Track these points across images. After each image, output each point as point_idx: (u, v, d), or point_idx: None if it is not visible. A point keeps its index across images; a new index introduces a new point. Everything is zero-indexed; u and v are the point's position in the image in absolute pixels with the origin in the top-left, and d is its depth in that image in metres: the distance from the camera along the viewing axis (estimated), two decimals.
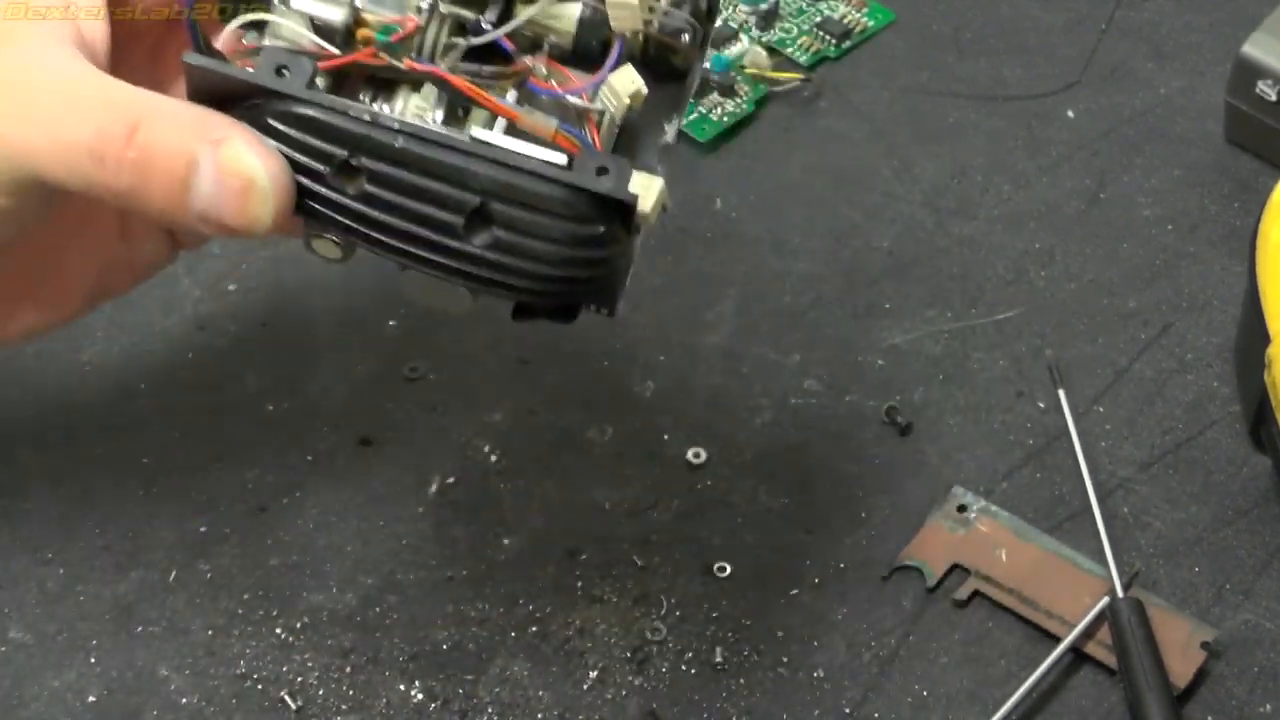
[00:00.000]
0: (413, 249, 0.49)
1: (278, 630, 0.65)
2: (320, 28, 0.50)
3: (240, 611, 0.65)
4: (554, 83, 0.51)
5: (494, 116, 0.50)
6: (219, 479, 0.69)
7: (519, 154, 0.48)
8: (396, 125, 0.48)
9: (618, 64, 0.51)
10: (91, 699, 0.63)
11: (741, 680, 0.64)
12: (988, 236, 0.78)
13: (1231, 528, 0.67)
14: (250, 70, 0.49)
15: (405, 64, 0.50)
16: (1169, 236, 0.77)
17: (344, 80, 0.51)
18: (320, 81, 0.49)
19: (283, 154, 0.49)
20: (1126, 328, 0.74)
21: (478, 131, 0.49)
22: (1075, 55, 0.85)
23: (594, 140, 0.51)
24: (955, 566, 0.66)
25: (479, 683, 0.64)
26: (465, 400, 0.72)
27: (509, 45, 0.51)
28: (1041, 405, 0.71)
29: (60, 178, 0.49)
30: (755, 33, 0.86)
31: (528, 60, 0.51)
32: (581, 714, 0.63)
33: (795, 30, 0.86)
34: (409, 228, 0.49)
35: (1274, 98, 0.76)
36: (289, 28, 0.50)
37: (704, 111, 0.82)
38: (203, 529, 0.67)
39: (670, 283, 0.76)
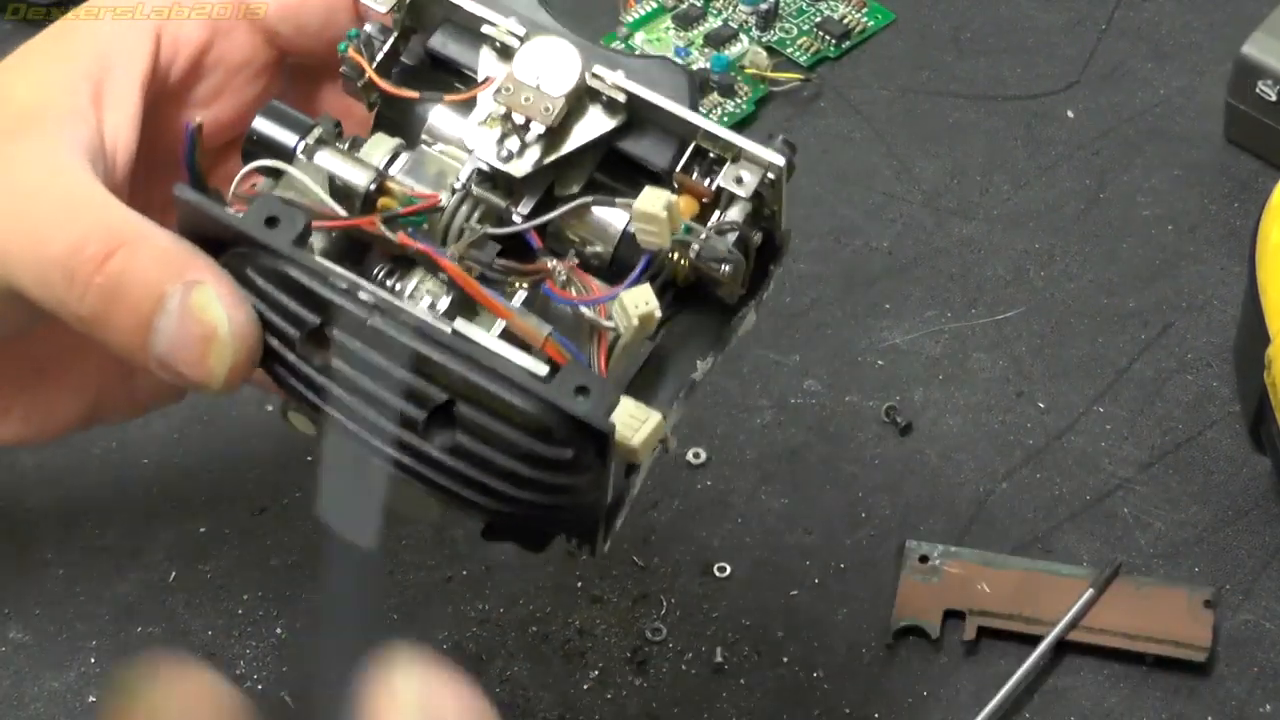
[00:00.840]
0: (370, 438, 0.46)
1: (278, 630, 0.65)
2: (340, 189, 0.48)
3: (240, 612, 0.65)
4: (572, 291, 0.48)
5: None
6: (219, 479, 0.69)
7: (496, 356, 0.45)
8: (373, 300, 0.45)
9: (638, 281, 0.48)
10: (91, 699, 0.63)
11: (741, 680, 0.64)
12: (987, 236, 0.78)
13: (1231, 528, 0.67)
14: (240, 215, 0.46)
15: (399, 238, 0.47)
16: (1169, 236, 0.77)
17: (365, 251, 0.49)
18: (318, 243, 0.47)
19: (258, 310, 0.46)
20: (1126, 327, 0.74)
21: (461, 325, 0.46)
22: (1075, 55, 0.85)
23: (597, 361, 0.48)
24: (949, 613, 0.65)
25: (479, 683, 0.63)
26: None
27: (536, 242, 0.49)
28: (1041, 405, 0.71)
29: (31, 290, 0.46)
30: (755, 33, 0.86)
31: (550, 263, 0.48)
32: (581, 714, 0.63)
33: (795, 30, 0.86)
34: (368, 414, 0.45)
35: (1274, 98, 0.76)
36: (302, 182, 0.48)
37: (704, 112, 0.82)
38: (203, 529, 0.67)
39: None
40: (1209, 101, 0.82)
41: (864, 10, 0.87)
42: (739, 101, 0.83)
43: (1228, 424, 0.70)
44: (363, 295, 0.45)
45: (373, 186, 0.48)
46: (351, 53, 0.51)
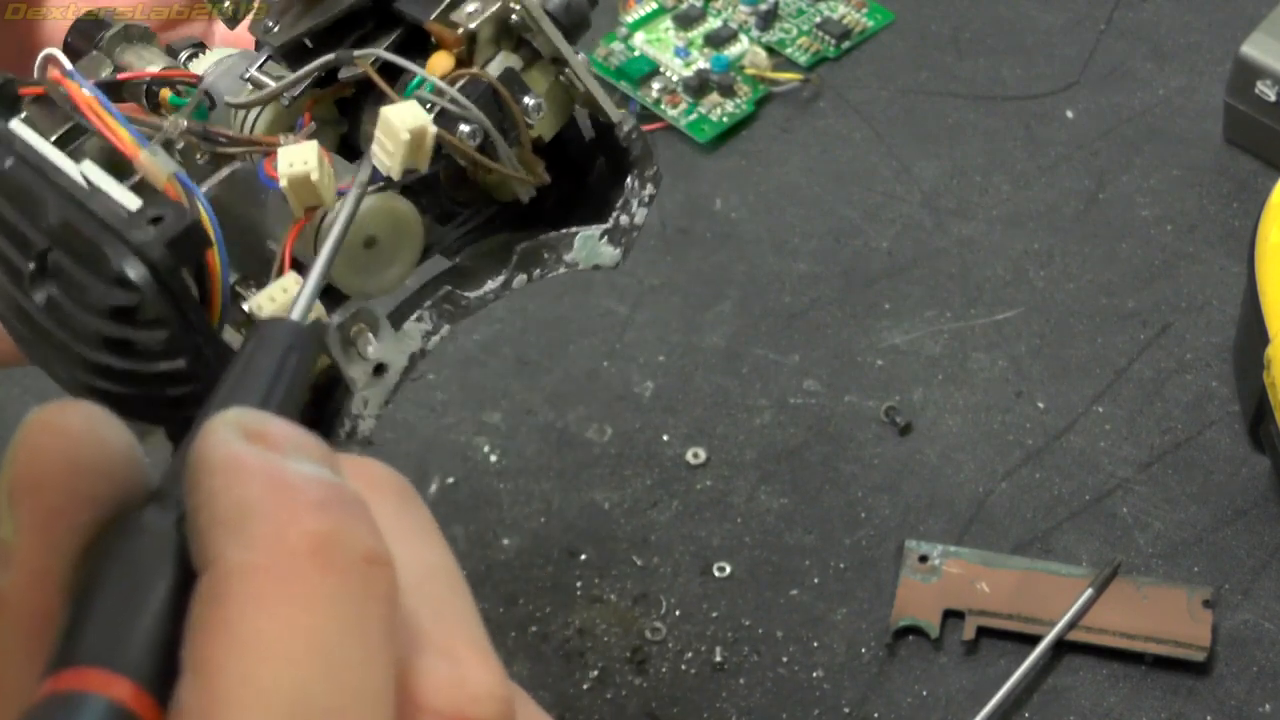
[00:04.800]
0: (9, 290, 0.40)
1: None
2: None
3: None
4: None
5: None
6: None
7: (95, 194, 0.38)
8: (16, 145, 0.39)
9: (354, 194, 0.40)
10: None
11: (741, 680, 0.64)
12: (987, 236, 0.78)
13: (1231, 528, 0.68)
14: None
15: (53, 76, 0.41)
16: (1168, 237, 0.77)
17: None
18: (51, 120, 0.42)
19: None
20: (1126, 328, 0.74)
21: (91, 170, 0.39)
22: (1074, 55, 0.85)
23: (282, 245, 0.40)
24: (948, 612, 0.65)
25: None
26: (465, 400, 0.72)
27: (304, 120, 0.43)
28: (1041, 405, 0.71)
29: None
30: (755, 33, 0.86)
31: (290, 135, 0.42)
32: (581, 714, 0.63)
33: (795, 31, 0.86)
34: None
35: (1273, 98, 0.76)
36: (66, 64, 0.43)
37: (704, 112, 0.82)
38: None
39: (670, 283, 0.76)
40: (1208, 102, 0.82)
41: (864, 10, 0.87)
42: (739, 101, 0.83)
43: (1227, 424, 0.71)
44: (8, 138, 0.39)
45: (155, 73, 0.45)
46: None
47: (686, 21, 0.86)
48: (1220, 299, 0.75)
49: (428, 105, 0.41)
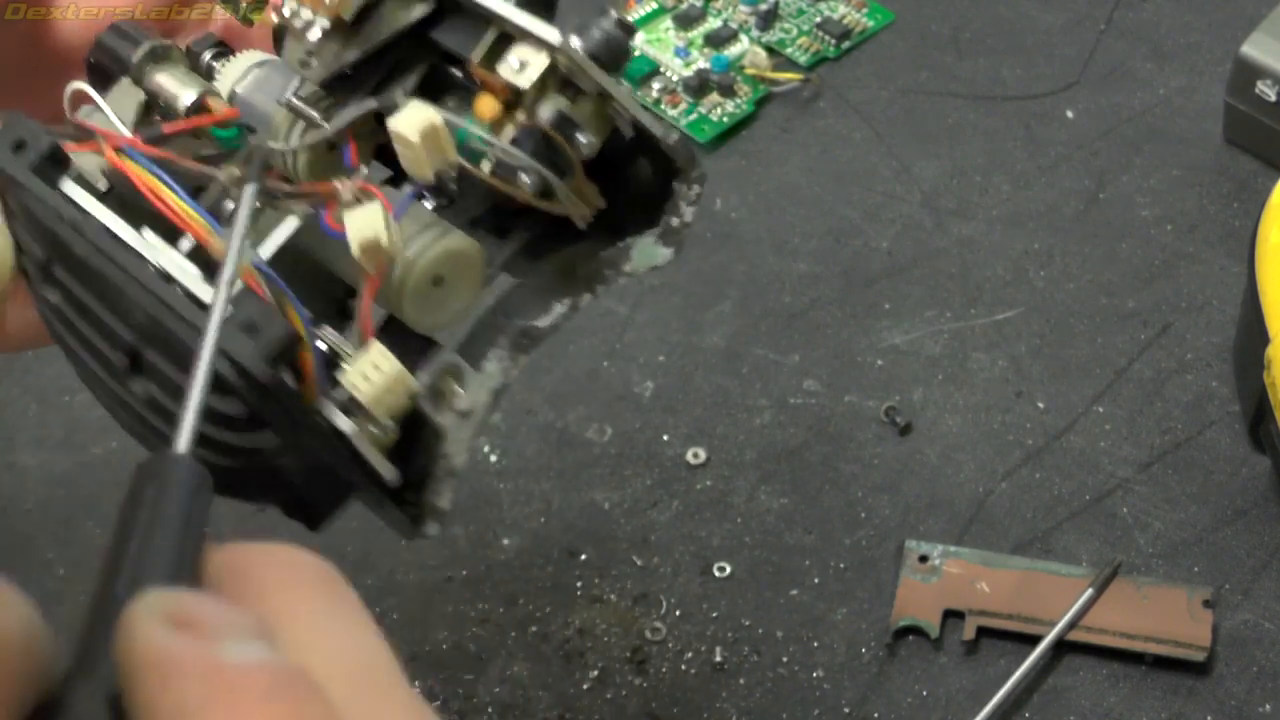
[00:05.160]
0: (92, 386, 0.41)
1: None
2: (167, 106, 0.45)
3: None
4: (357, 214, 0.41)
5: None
6: None
7: (180, 291, 0.38)
8: (91, 235, 0.40)
9: (403, 209, 0.41)
10: None
11: (741, 680, 0.64)
12: (987, 236, 0.78)
13: (1231, 528, 0.68)
14: None
15: (102, 136, 0.42)
16: (1168, 237, 0.77)
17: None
18: (98, 166, 0.42)
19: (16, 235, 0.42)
20: (1126, 328, 0.74)
21: (170, 256, 0.39)
22: (1074, 55, 0.85)
23: (361, 305, 0.40)
24: (948, 612, 0.65)
25: (478, 683, 0.64)
26: None
27: (351, 158, 0.43)
28: (1041, 405, 0.71)
29: None
30: (755, 33, 0.86)
31: (339, 182, 0.41)
32: (581, 714, 0.63)
33: (795, 30, 0.86)
34: (85, 357, 0.40)
35: (1273, 98, 0.76)
36: (103, 107, 0.44)
37: (704, 112, 0.82)
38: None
39: (670, 283, 0.76)
40: (1208, 102, 0.82)
41: (864, 10, 0.87)
42: (739, 101, 0.83)
43: (1227, 424, 0.71)
44: (84, 226, 0.40)
45: (191, 104, 0.45)
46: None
47: (686, 21, 0.86)
48: (1220, 299, 0.75)
49: (480, 151, 0.42)
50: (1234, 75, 0.78)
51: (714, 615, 0.65)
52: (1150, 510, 0.68)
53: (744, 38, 0.86)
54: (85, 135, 0.43)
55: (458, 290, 0.43)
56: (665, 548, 0.67)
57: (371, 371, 0.39)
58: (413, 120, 0.40)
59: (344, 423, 0.39)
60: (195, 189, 0.42)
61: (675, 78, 0.84)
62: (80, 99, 0.45)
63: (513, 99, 0.42)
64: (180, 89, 0.46)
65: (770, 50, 0.85)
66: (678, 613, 0.66)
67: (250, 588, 0.27)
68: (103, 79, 0.47)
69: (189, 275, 0.39)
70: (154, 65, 0.46)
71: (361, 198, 0.40)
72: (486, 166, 0.42)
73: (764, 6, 0.85)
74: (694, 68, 0.84)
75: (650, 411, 0.71)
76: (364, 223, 0.40)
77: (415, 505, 0.41)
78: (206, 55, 0.47)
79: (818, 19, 0.86)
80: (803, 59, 0.85)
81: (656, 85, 0.83)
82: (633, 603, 0.66)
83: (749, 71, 0.84)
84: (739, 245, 0.77)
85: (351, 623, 0.27)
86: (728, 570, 0.67)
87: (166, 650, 0.24)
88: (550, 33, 0.41)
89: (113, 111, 0.45)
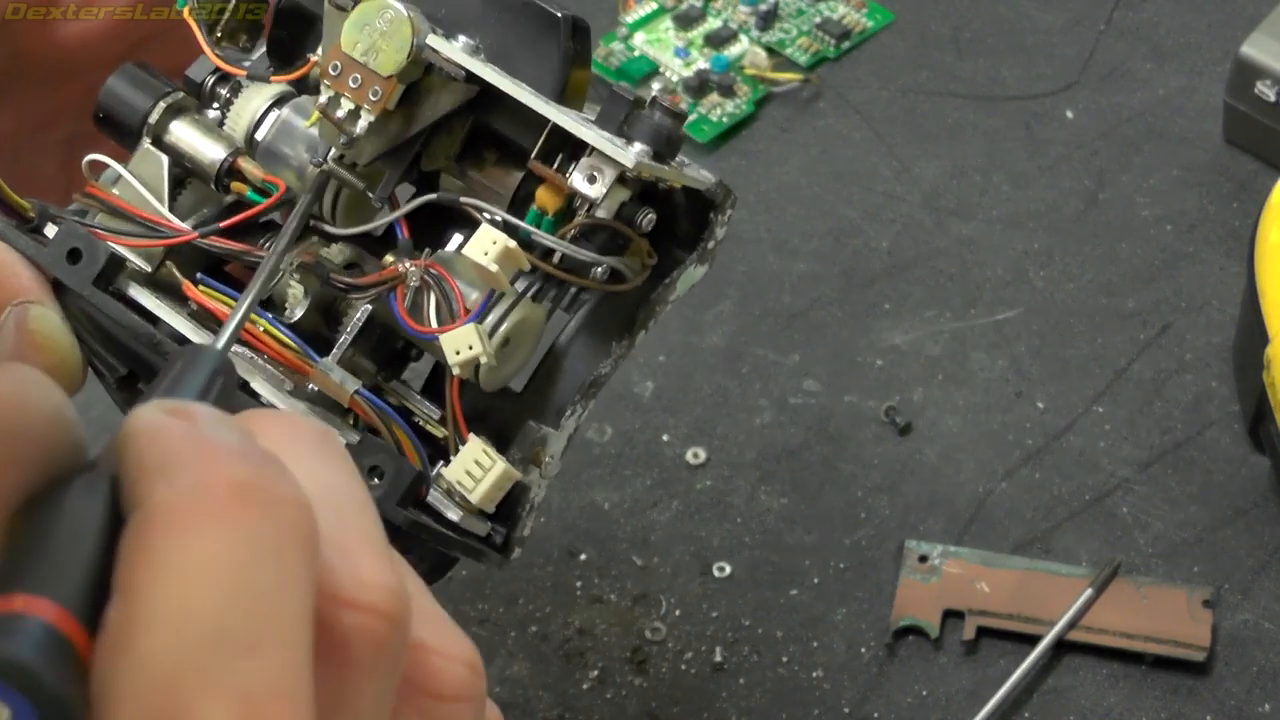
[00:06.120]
0: None
1: None
2: (194, 166, 0.45)
3: None
4: (431, 298, 0.43)
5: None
6: None
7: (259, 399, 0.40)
8: (168, 348, 0.41)
9: (480, 316, 0.43)
10: None
11: (741, 680, 0.64)
12: (987, 236, 0.78)
13: (1230, 528, 0.68)
14: (42, 250, 0.42)
15: (194, 296, 0.42)
16: (1168, 237, 0.77)
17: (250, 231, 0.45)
18: (143, 264, 0.43)
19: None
20: (1125, 328, 0.74)
21: (263, 384, 0.41)
22: (1074, 55, 0.85)
23: (450, 395, 0.43)
24: (948, 612, 0.65)
25: None
26: None
27: (403, 231, 0.44)
28: (1041, 405, 0.71)
29: None
30: (755, 33, 0.86)
31: (402, 265, 0.43)
32: (581, 714, 0.63)
33: (795, 31, 0.86)
34: None
35: (1273, 98, 0.76)
36: (133, 186, 0.45)
37: (704, 112, 0.82)
38: None
39: None
40: (1208, 102, 0.82)
41: (864, 10, 0.87)
42: (739, 101, 0.83)
43: (1227, 424, 0.71)
44: (167, 347, 0.41)
45: (225, 166, 0.45)
46: (187, 15, 0.46)
47: (686, 21, 0.86)
48: (1220, 299, 0.75)
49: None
50: (1234, 75, 0.78)
51: (714, 615, 0.66)
52: (1150, 510, 0.68)
53: (744, 38, 0.86)
54: (111, 209, 0.45)
55: (521, 349, 0.45)
56: (665, 548, 0.67)
57: (475, 469, 0.42)
58: (486, 247, 0.42)
59: (454, 513, 0.42)
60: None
61: (675, 78, 0.84)
62: (98, 168, 0.46)
63: (578, 201, 0.44)
64: (206, 147, 0.45)
65: (770, 50, 0.85)
66: (678, 613, 0.66)
67: (250, 426, 0.29)
68: (113, 129, 0.46)
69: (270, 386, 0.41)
70: (170, 118, 0.46)
71: (428, 280, 0.43)
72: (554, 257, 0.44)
73: (764, 7, 0.85)
74: (694, 68, 0.84)
75: (650, 411, 0.71)
76: (460, 342, 0.42)
77: (506, 546, 0.44)
78: (209, 81, 0.47)
79: (817, 19, 0.86)
80: (803, 59, 0.85)
81: (656, 85, 0.83)
82: (633, 603, 0.66)
83: (749, 72, 0.84)
84: (739, 245, 0.77)
85: (334, 459, 0.30)
86: (728, 570, 0.67)
87: (157, 421, 0.27)
88: (624, 156, 0.42)
89: (141, 184, 0.45)
